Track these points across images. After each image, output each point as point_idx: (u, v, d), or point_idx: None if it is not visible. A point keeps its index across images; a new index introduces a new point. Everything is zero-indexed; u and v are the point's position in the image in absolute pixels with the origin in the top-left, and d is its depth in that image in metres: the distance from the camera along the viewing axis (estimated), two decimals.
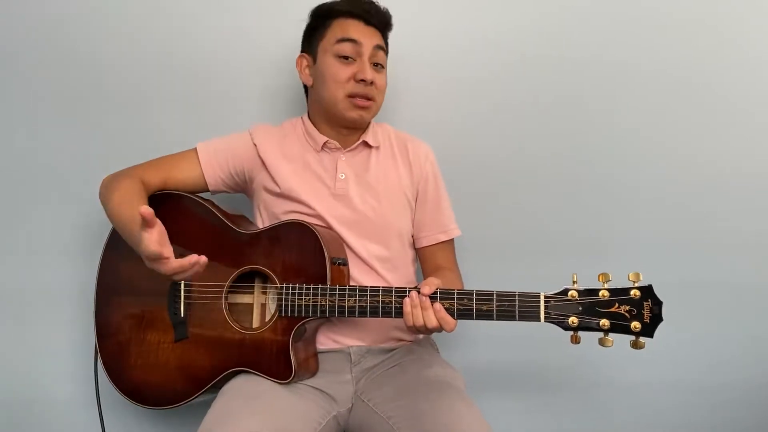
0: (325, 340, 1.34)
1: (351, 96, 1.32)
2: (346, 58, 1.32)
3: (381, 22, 1.37)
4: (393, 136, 1.44)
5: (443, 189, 1.46)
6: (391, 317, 1.19)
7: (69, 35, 1.57)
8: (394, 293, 1.18)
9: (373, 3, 1.37)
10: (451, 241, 1.46)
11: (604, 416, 1.68)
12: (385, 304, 1.18)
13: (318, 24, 1.37)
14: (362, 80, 1.31)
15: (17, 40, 1.57)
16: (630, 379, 1.65)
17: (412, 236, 1.45)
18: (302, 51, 1.41)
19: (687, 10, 1.59)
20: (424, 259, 1.46)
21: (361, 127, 1.39)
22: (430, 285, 1.16)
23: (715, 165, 1.63)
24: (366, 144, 1.39)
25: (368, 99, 1.33)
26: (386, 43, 1.40)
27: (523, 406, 1.67)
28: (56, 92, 1.58)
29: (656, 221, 1.63)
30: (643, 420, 1.68)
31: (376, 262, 1.35)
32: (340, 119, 1.36)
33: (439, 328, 1.16)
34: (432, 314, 1.15)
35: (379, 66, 1.36)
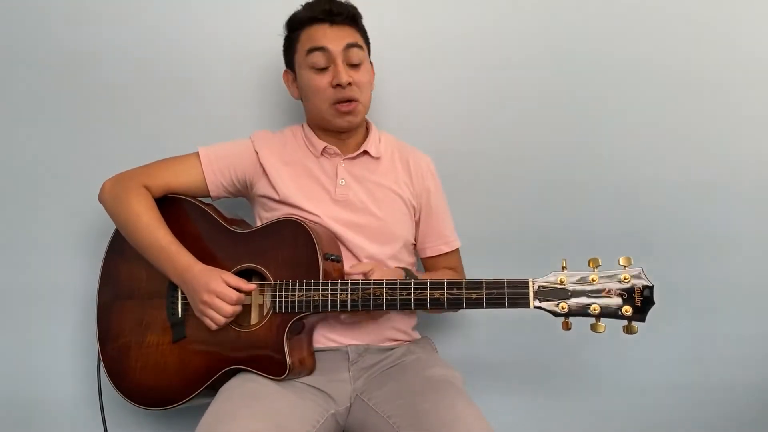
0: (322, 340, 1.34)
1: (334, 103, 1.33)
2: (320, 67, 1.31)
3: (347, 17, 1.33)
4: (395, 148, 1.45)
5: (444, 201, 1.47)
6: (383, 309, 1.19)
7: (70, 37, 1.59)
8: (385, 285, 1.18)
9: (336, 2, 1.34)
10: (455, 250, 1.48)
11: (603, 415, 1.65)
12: (377, 296, 1.18)
13: (289, 39, 1.38)
14: (338, 85, 1.30)
15: (20, 41, 1.59)
16: (629, 379, 1.63)
17: (414, 245, 1.45)
18: (286, 66, 1.43)
19: (685, 8, 1.60)
20: (428, 268, 1.49)
21: (352, 129, 1.39)
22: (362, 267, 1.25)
23: (715, 164, 1.62)
24: (367, 154, 1.41)
25: (351, 101, 1.32)
26: (363, 34, 1.38)
27: (522, 405, 1.65)
28: (57, 94, 1.61)
29: (655, 221, 1.62)
30: (642, 418, 1.65)
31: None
32: (332, 128, 1.38)
33: None
34: None
35: (356, 64, 1.33)
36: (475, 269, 1.50)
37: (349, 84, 1.31)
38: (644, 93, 1.62)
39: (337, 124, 1.36)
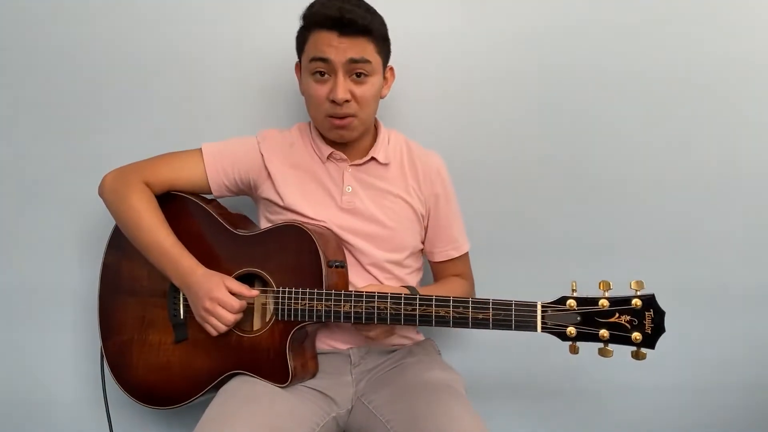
0: (325, 340, 1.33)
1: (327, 116, 1.26)
2: (321, 74, 1.24)
3: (360, 30, 1.21)
4: (404, 150, 1.39)
5: (455, 204, 1.42)
6: (387, 323, 1.18)
7: (69, 36, 1.57)
8: (389, 299, 1.16)
9: (350, 8, 1.21)
10: (465, 254, 1.44)
11: (605, 419, 1.66)
12: (381, 310, 1.17)
13: (301, 35, 1.29)
14: (334, 101, 1.23)
15: (18, 40, 1.57)
16: (630, 382, 1.63)
17: (421, 251, 1.42)
18: (298, 57, 1.34)
19: (682, 15, 1.57)
20: (437, 272, 1.46)
21: (345, 142, 1.32)
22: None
23: (715, 167, 1.60)
24: (375, 160, 1.35)
25: (346, 117, 1.26)
26: (379, 44, 1.27)
27: (524, 409, 1.66)
28: (57, 93, 1.58)
29: (656, 223, 1.61)
30: (643, 422, 1.66)
31: (378, 271, 1.33)
32: (326, 137, 1.33)
33: None
34: None
35: (362, 75, 1.24)
36: (482, 274, 1.49)
37: (347, 101, 1.24)
38: (651, 100, 1.59)
39: (330, 136, 1.31)
